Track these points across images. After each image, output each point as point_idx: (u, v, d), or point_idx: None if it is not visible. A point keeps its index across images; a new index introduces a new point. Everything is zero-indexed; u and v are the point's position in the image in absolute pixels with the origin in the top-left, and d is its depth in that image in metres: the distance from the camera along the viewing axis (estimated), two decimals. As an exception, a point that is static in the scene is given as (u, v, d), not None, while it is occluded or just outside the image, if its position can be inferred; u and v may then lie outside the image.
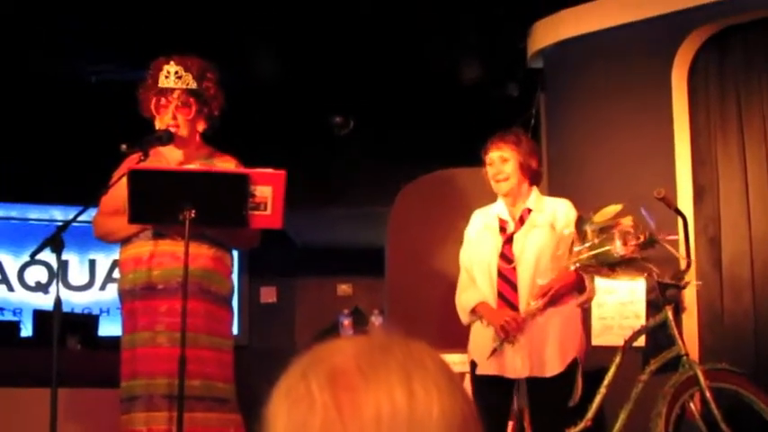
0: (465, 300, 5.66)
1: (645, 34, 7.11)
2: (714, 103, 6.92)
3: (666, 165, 6.84)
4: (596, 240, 5.40)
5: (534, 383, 5.50)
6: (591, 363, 5.95)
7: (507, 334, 5.38)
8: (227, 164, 4.94)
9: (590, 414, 5.77)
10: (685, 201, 6.72)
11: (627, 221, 5.47)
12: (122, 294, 4.89)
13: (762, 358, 6.51)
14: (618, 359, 5.84)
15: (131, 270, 4.81)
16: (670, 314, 5.76)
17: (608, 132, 7.21)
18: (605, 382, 5.82)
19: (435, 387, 1.23)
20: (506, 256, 5.54)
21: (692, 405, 5.76)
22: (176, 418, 4.48)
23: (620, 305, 6.68)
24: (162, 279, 4.70)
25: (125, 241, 4.89)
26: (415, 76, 9.17)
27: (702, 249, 6.74)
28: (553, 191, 7.48)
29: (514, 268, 5.51)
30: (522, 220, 5.61)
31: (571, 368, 5.52)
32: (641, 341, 6.14)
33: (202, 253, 4.77)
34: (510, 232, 5.58)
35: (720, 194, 6.81)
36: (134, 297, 4.78)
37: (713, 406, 5.49)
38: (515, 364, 5.45)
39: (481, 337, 5.57)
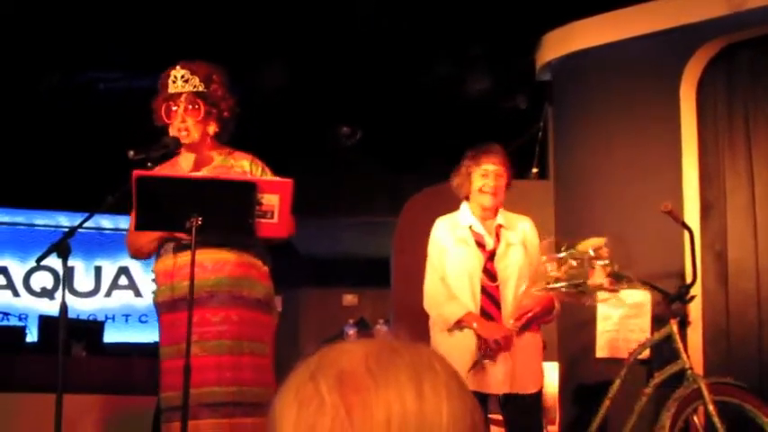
0: (450, 312, 5.45)
1: (653, 48, 7.10)
2: (722, 117, 6.92)
3: (674, 179, 6.83)
4: (573, 266, 5.43)
5: (512, 399, 5.38)
6: (596, 375, 5.94)
7: (497, 350, 5.31)
8: (243, 160, 4.92)
9: (594, 426, 5.78)
10: (692, 215, 6.71)
11: (604, 253, 5.50)
12: (158, 306, 4.90)
13: (766, 372, 6.50)
14: (622, 372, 5.84)
15: (164, 282, 4.82)
16: (675, 328, 5.76)
17: (615, 146, 7.20)
18: (609, 394, 5.82)
19: (445, 389, 1.23)
20: (491, 273, 5.45)
21: (695, 419, 5.76)
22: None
23: (625, 319, 6.67)
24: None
25: (157, 255, 4.89)
26: (424, 87, 9.19)
27: (708, 264, 6.73)
28: (560, 203, 7.49)
29: (498, 286, 5.44)
30: (498, 237, 5.55)
31: (540, 392, 5.54)
32: (646, 354, 6.13)
33: (230, 260, 4.76)
34: (491, 249, 5.50)
35: (727, 209, 6.80)
36: (170, 309, 4.78)
37: (717, 420, 5.48)
38: (497, 379, 5.33)
39: (457, 350, 5.32)
